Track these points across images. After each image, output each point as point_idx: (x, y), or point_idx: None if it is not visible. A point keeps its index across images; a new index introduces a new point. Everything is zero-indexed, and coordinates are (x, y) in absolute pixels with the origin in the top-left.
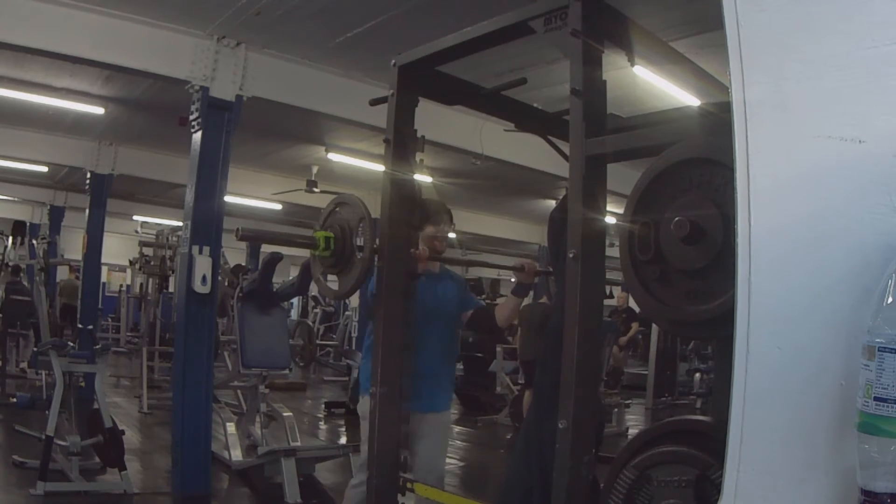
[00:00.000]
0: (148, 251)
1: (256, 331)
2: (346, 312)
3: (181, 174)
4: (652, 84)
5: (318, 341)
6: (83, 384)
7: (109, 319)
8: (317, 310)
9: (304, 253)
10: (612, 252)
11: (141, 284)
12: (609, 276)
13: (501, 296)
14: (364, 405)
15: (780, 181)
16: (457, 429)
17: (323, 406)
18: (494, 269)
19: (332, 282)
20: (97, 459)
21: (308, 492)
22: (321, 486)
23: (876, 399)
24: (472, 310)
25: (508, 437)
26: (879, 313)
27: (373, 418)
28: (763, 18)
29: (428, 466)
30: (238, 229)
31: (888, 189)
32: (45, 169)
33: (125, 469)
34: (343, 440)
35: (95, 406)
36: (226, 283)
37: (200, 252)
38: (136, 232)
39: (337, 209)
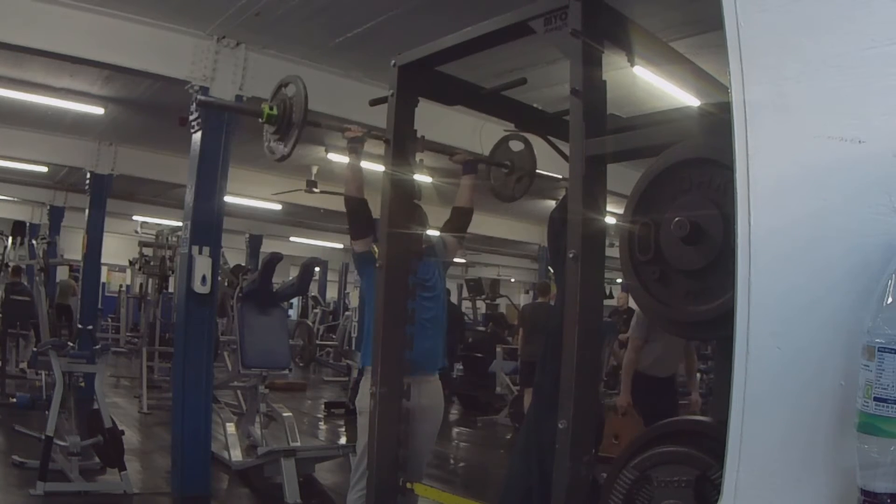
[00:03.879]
0: (148, 251)
1: (256, 331)
2: (346, 312)
3: (181, 174)
4: (652, 84)
5: (318, 341)
6: (83, 384)
7: (109, 319)
8: (317, 310)
9: (305, 253)
10: (612, 252)
11: (141, 284)
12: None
13: (502, 296)
14: (363, 399)
15: (780, 181)
16: (457, 429)
17: (323, 406)
18: (494, 267)
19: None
20: (97, 459)
21: (308, 492)
22: (321, 487)
23: (876, 399)
24: (443, 240)
25: (508, 437)
26: (879, 313)
27: (373, 418)
28: (763, 18)
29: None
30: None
31: (888, 189)
32: (45, 169)
33: (125, 469)
34: (343, 440)
35: (95, 406)
36: (226, 283)
37: (200, 252)
38: (136, 232)
39: (283, 88)
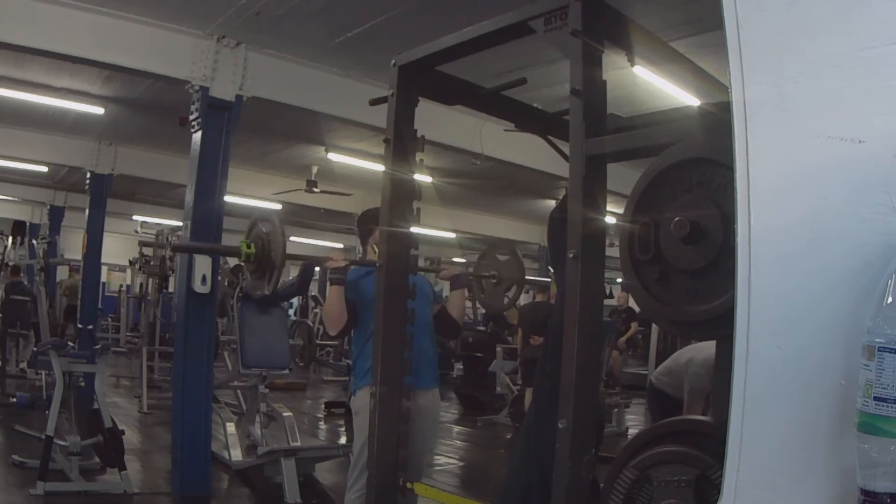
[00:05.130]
0: (148, 251)
1: (256, 331)
2: None
3: (181, 174)
4: (652, 84)
5: (318, 341)
6: (83, 384)
7: (109, 319)
8: (317, 310)
9: (305, 253)
10: (613, 252)
11: (141, 284)
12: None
13: None
14: (358, 400)
15: (780, 181)
16: (457, 429)
17: (323, 406)
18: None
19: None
20: (97, 459)
21: (308, 492)
22: (321, 486)
23: (876, 399)
24: (439, 305)
25: (508, 437)
26: (879, 313)
27: (373, 418)
28: (763, 18)
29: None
30: (169, 242)
31: (888, 189)
32: (45, 169)
33: (125, 469)
34: (343, 440)
35: (95, 406)
36: (226, 283)
37: None
38: (136, 232)
39: (259, 224)
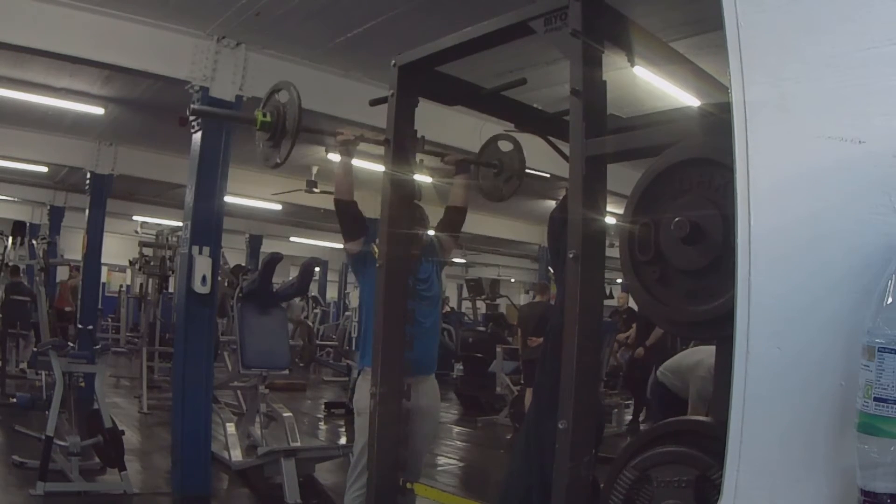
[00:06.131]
0: (148, 251)
1: (256, 331)
2: (346, 313)
3: (181, 174)
4: (652, 84)
5: (318, 341)
6: (83, 384)
7: (109, 319)
8: (317, 310)
9: (305, 253)
10: (613, 252)
11: (141, 284)
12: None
13: (502, 296)
14: (360, 400)
15: (780, 181)
16: (456, 429)
17: (323, 406)
18: (494, 268)
19: None
20: (97, 459)
21: (308, 492)
22: (321, 487)
23: (876, 399)
24: (438, 239)
25: (508, 437)
26: (879, 314)
27: (373, 418)
28: (763, 19)
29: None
30: (190, 107)
31: (888, 189)
32: (45, 169)
33: (125, 469)
34: (343, 440)
35: (95, 406)
36: (226, 284)
37: (200, 252)
38: (136, 232)
39: (276, 94)
